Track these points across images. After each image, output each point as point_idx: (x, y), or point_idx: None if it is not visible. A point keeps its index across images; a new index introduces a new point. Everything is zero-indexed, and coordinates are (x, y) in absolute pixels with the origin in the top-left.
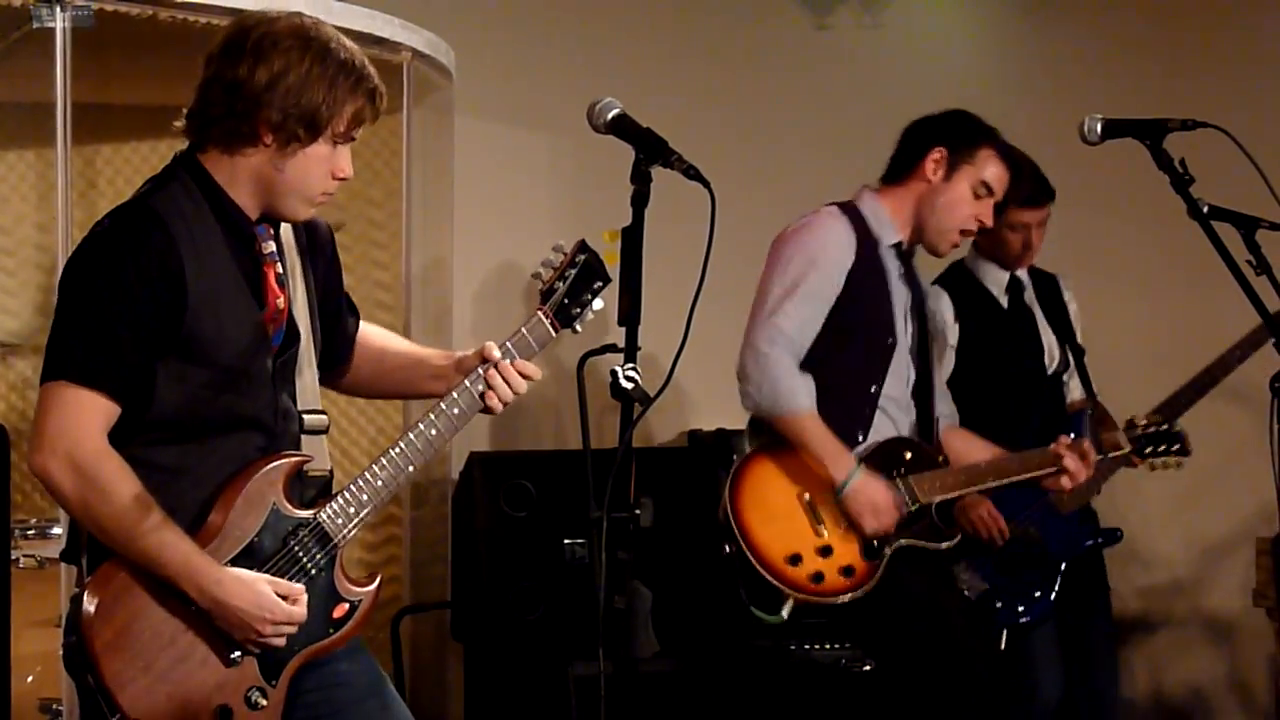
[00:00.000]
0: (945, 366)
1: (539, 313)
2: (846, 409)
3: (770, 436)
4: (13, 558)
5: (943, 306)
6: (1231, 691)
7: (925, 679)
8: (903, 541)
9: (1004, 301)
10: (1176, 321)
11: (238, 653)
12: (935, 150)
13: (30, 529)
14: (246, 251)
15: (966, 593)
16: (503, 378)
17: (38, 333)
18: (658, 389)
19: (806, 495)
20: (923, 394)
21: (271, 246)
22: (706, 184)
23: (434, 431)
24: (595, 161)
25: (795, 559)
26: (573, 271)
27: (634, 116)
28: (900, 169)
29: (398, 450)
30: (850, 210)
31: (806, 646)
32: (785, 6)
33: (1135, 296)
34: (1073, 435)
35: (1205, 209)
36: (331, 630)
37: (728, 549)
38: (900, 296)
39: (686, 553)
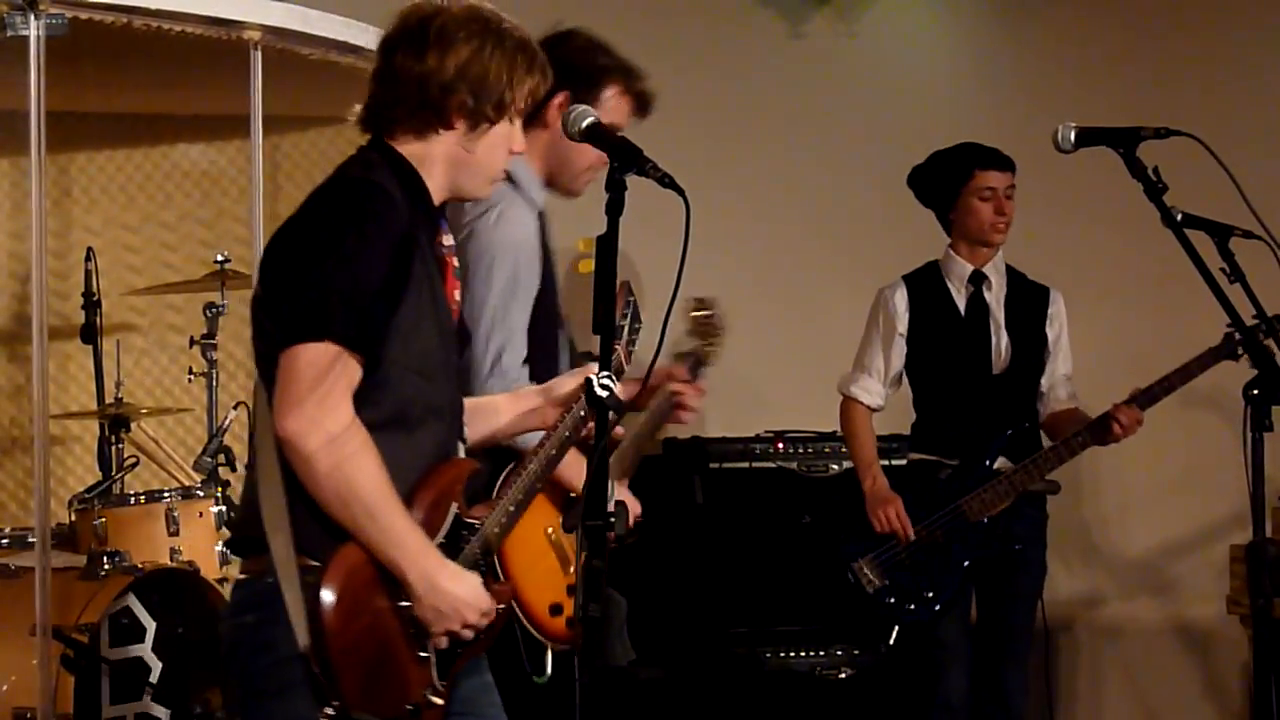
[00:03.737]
0: (896, 354)
1: (616, 347)
2: None
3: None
4: None
5: (896, 297)
6: (1206, 699)
7: None
8: None
9: (961, 299)
10: (1150, 329)
11: (424, 651)
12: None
13: (4, 538)
14: (432, 241)
15: (865, 586)
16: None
17: (13, 340)
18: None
19: (550, 530)
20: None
21: (450, 240)
22: (681, 191)
23: (553, 452)
24: None
25: (556, 608)
26: (629, 312)
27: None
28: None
29: (532, 466)
30: None
31: (782, 654)
32: (760, 15)
33: (1109, 304)
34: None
35: (1178, 217)
36: (483, 636)
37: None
38: None
39: (662, 561)
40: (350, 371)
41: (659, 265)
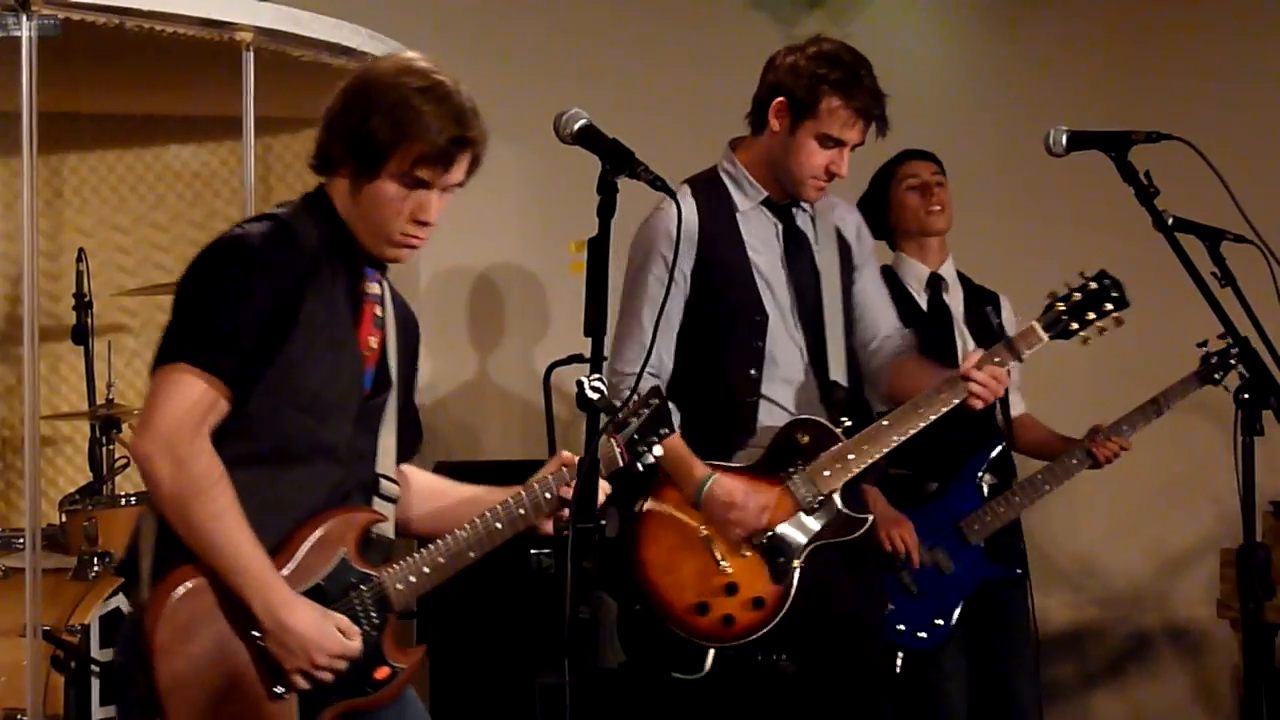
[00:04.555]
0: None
1: (612, 441)
2: (728, 406)
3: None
4: None
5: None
6: (1197, 702)
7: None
8: (810, 546)
9: (923, 301)
10: (1141, 333)
11: (282, 688)
12: None
13: None
14: (353, 287)
15: None
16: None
17: (4, 341)
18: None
19: (703, 530)
20: (817, 358)
21: (376, 289)
22: (673, 194)
23: (498, 525)
24: (562, 172)
25: (702, 608)
26: (645, 412)
27: (600, 127)
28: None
29: (463, 533)
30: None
31: (774, 656)
32: (752, 16)
33: None
34: (986, 461)
35: (1170, 221)
36: (370, 690)
37: (637, 607)
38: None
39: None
40: (210, 399)
41: None
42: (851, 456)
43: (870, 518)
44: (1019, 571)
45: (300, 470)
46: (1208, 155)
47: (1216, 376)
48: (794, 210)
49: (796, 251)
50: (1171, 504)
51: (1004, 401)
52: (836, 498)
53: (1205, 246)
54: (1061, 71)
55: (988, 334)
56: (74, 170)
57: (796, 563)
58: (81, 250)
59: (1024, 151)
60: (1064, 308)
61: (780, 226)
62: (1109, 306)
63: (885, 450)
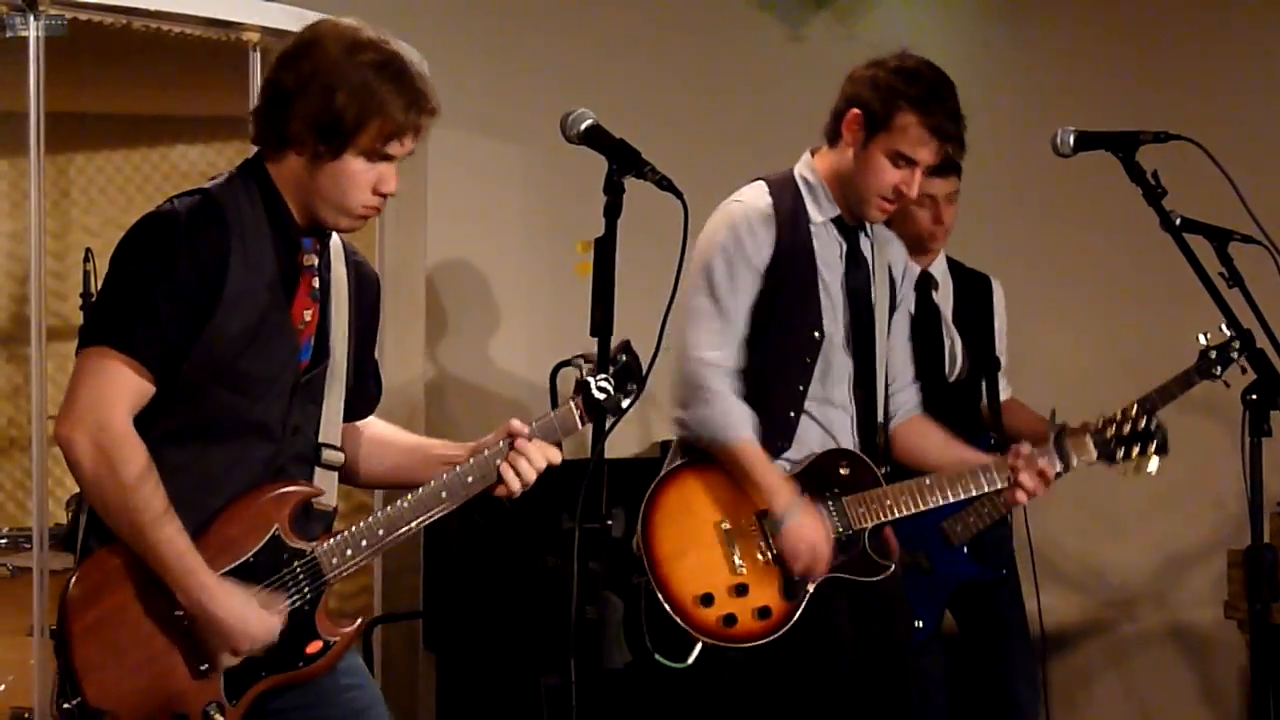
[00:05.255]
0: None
1: (571, 402)
2: (768, 416)
3: (697, 453)
4: None
5: None
6: (1203, 704)
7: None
8: (829, 574)
9: (910, 303)
10: (1148, 333)
11: (206, 665)
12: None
13: (2, 538)
14: (289, 260)
15: None
16: (525, 456)
17: (11, 340)
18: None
19: (725, 524)
20: (865, 392)
21: (314, 261)
22: (679, 194)
23: (443, 494)
24: (568, 172)
25: (707, 599)
26: (612, 368)
27: (607, 127)
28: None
29: (405, 503)
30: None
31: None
32: (759, 18)
33: (1107, 308)
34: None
35: (1178, 221)
36: (302, 664)
37: (635, 580)
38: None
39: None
40: (132, 382)
41: (657, 268)
42: (889, 503)
43: (891, 565)
44: (1005, 572)
45: (229, 447)
46: (1216, 155)
47: (1215, 371)
48: (860, 234)
49: (857, 276)
50: (1177, 504)
51: (993, 392)
52: (865, 536)
53: (1213, 247)
54: (1069, 72)
55: (975, 331)
56: (81, 170)
57: (811, 586)
58: (88, 250)
59: (1031, 152)
60: (1112, 433)
61: (845, 247)
62: (1151, 449)
63: (921, 509)
